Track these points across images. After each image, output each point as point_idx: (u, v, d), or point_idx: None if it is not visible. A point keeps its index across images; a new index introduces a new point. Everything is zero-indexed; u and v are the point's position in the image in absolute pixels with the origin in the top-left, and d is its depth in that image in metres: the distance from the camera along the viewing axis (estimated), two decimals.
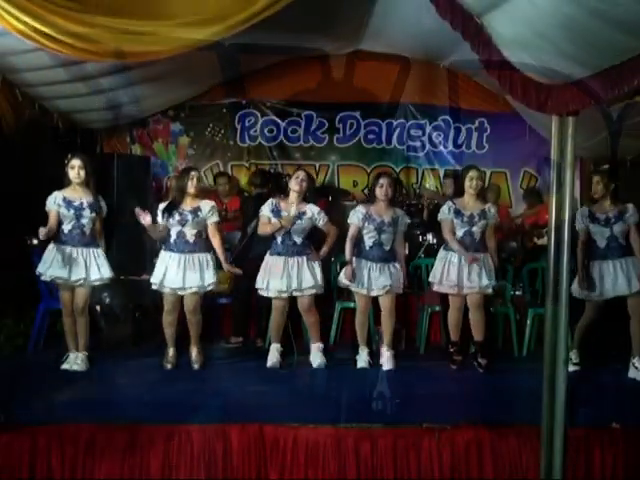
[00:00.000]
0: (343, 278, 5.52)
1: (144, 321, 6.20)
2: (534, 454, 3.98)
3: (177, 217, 5.29)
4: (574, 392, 4.07)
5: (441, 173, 8.54)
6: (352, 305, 6.06)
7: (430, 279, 5.60)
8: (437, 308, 6.20)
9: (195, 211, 5.32)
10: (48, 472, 3.97)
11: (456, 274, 5.37)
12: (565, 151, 3.86)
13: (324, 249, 5.54)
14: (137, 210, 5.18)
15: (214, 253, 5.39)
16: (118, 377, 5.07)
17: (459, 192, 5.58)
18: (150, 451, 4.00)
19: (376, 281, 5.45)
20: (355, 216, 5.53)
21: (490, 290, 5.43)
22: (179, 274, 5.25)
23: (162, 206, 5.37)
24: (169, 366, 5.38)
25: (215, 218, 5.38)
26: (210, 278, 5.32)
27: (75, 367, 5.23)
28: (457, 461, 4.02)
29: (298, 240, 5.45)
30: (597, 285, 5.28)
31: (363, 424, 4.11)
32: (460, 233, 5.43)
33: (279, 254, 5.44)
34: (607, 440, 4.05)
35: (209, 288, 5.35)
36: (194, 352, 5.42)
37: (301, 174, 5.50)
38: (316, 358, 5.49)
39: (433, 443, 4.02)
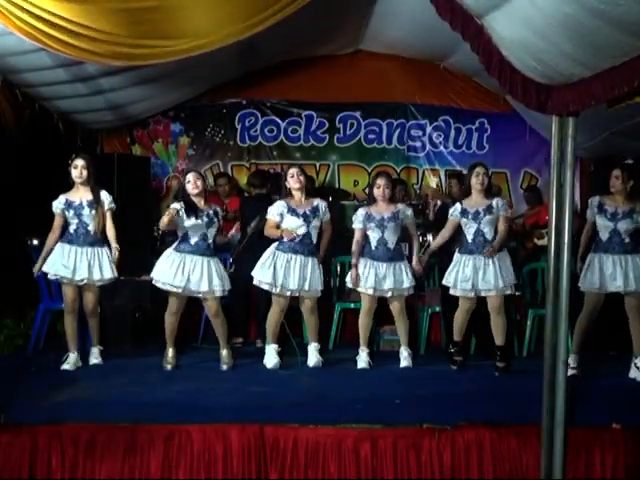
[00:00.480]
0: (349, 282, 5.55)
1: (144, 321, 6.21)
2: (534, 454, 3.98)
3: (205, 218, 5.31)
4: (574, 392, 4.07)
5: (442, 173, 8.54)
6: (352, 306, 6.07)
7: (444, 282, 5.49)
8: (437, 309, 6.20)
9: (217, 214, 5.42)
10: (48, 472, 3.97)
11: (471, 277, 5.29)
12: (565, 152, 3.86)
13: (322, 251, 5.57)
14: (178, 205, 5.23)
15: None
16: (118, 377, 5.08)
17: (465, 192, 5.51)
18: (150, 451, 4.00)
19: (383, 282, 5.44)
20: (357, 220, 5.55)
21: (509, 291, 5.35)
22: (204, 278, 5.25)
23: (180, 205, 5.26)
24: (169, 367, 5.39)
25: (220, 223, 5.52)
26: (228, 283, 5.37)
27: (95, 361, 5.43)
28: (457, 461, 4.02)
29: (314, 239, 5.47)
30: (597, 278, 5.21)
31: (363, 424, 4.11)
32: (471, 236, 5.35)
33: (296, 252, 5.39)
34: (607, 440, 4.05)
35: (226, 293, 5.39)
36: (224, 353, 5.43)
37: (294, 170, 5.49)
38: (312, 357, 5.49)
39: (433, 443, 4.02)
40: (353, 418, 4.18)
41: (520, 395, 4.65)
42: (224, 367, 5.39)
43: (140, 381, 4.98)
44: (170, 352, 5.43)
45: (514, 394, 4.77)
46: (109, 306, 5.92)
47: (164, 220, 5.21)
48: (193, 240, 5.30)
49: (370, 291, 5.46)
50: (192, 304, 5.56)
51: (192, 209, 5.27)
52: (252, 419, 4.13)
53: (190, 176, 5.38)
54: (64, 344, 5.38)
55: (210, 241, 5.34)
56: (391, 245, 5.50)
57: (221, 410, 4.30)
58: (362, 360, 5.51)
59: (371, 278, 5.44)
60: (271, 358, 5.46)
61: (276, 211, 5.43)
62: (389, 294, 5.48)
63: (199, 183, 5.35)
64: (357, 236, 5.54)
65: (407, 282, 5.48)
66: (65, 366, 5.25)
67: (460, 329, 5.50)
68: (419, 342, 6.18)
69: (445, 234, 5.53)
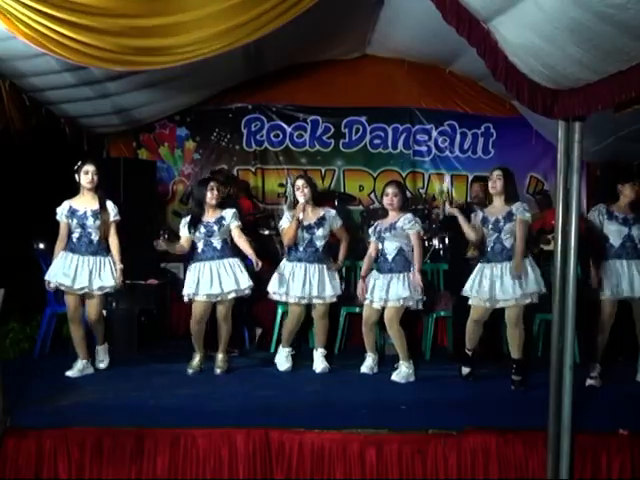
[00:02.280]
0: (358, 294, 5.52)
1: (150, 326, 6.21)
2: (540, 460, 3.96)
3: (203, 230, 5.34)
4: (581, 398, 4.05)
5: (447, 178, 8.56)
6: (357, 310, 6.05)
7: (464, 293, 5.23)
8: (442, 313, 6.18)
9: (219, 221, 5.37)
10: (55, 476, 3.97)
11: (488, 286, 5.05)
12: (572, 156, 3.85)
13: (340, 257, 5.60)
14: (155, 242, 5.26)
15: (242, 258, 5.43)
16: (123, 381, 5.09)
17: (488, 199, 5.36)
18: (156, 455, 4.00)
19: (379, 292, 5.33)
20: (370, 231, 5.53)
21: (528, 300, 5.03)
22: (215, 280, 5.27)
23: (185, 221, 5.44)
24: (190, 371, 5.39)
25: (237, 222, 5.43)
26: (246, 281, 5.32)
27: (101, 365, 5.42)
28: (463, 467, 4.00)
29: (320, 247, 5.48)
30: (612, 284, 5.11)
31: (368, 429, 4.10)
32: (490, 244, 5.14)
33: (300, 260, 5.44)
34: (614, 446, 4.03)
35: (246, 292, 5.36)
36: (220, 357, 5.44)
37: (299, 182, 5.49)
38: (320, 363, 5.50)
39: (439, 449, 4.01)
40: (358, 423, 4.17)
41: (526, 400, 4.64)
42: (217, 371, 5.39)
43: (145, 385, 4.99)
44: (196, 358, 5.44)
45: (520, 399, 4.76)
46: (114, 311, 5.93)
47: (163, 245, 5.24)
48: (200, 248, 5.38)
49: (367, 302, 5.43)
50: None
51: (193, 223, 5.34)
52: (257, 423, 4.12)
53: (213, 184, 5.43)
54: (71, 348, 5.37)
55: (215, 245, 5.34)
56: (389, 256, 5.36)
57: (226, 414, 4.31)
58: (365, 366, 5.47)
59: (369, 289, 5.40)
60: (282, 361, 5.50)
61: (286, 220, 5.48)
62: (382, 304, 5.33)
63: (217, 195, 5.40)
64: (370, 248, 5.54)
65: (403, 292, 5.23)
66: (68, 372, 5.20)
67: (472, 338, 5.29)
68: (424, 347, 6.17)
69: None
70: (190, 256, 5.50)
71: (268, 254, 6.59)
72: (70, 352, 5.37)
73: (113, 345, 5.74)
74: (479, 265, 5.22)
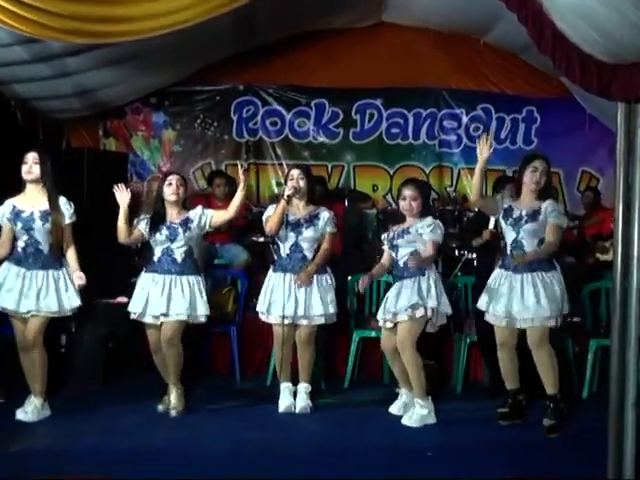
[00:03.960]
0: (360, 285, 5.43)
1: (118, 353, 6.19)
2: None
3: (165, 231, 5.32)
4: None
5: None
6: (373, 334, 6.03)
7: (478, 306, 5.29)
8: (476, 337, 6.14)
9: (185, 222, 5.36)
10: None
11: (505, 299, 5.01)
12: (634, 146, 3.83)
13: (313, 263, 5.42)
14: (118, 186, 5.28)
15: (204, 277, 5.46)
16: (87, 422, 5.07)
17: (515, 191, 5.24)
18: None
19: (388, 304, 5.29)
20: (383, 238, 5.53)
21: (552, 323, 4.98)
22: (163, 298, 5.24)
23: (147, 216, 5.42)
24: (161, 407, 5.35)
25: (209, 211, 5.46)
26: (204, 309, 5.33)
27: (22, 417, 5.05)
28: None
29: (309, 254, 5.43)
30: None
31: None
32: (508, 246, 5.09)
33: (284, 270, 5.41)
34: None
35: (201, 319, 5.36)
36: (173, 395, 5.32)
37: (295, 173, 5.48)
38: (300, 401, 5.43)
39: None
40: (374, 473, 4.15)
41: (580, 444, 4.61)
42: (172, 413, 5.27)
43: (114, 426, 4.98)
44: (171, 395, 5.32)
45: (572, 443, 4.74)
46: (74, 335, 5.92)
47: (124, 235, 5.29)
48: (157, 256, 5.37)
49: (381, 321, 5.38)
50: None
51: (159, 221, 5.34)
52: (248, 473, 4.10)
53: (173, 179, 5.40)
54: (24, 382, 5.33)
55: (176, 256, 5.32)
56: (401, 261, 5.30)
57: (212, 461, 4.29)
58: (395, 406, 5.39)
59: (383, 304, 5.38)
60: (283, 399, 5.43)
61: (271, 210, 5.46)
62: (391, 320, 5.27)
63: (181, 190, 5.40)
64: (383, 257, 5.55)
65: (412, 298, 5.14)
66: (19, 415, 5.05)
67: (507, 373, 5.20)
68: (456, 379, 6.13)
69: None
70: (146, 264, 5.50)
71: (263, 264, 6.58)
72: (22, 387, 5.34)
73: (74, 377, 5.73)
74: (496, 272, 5.20)
